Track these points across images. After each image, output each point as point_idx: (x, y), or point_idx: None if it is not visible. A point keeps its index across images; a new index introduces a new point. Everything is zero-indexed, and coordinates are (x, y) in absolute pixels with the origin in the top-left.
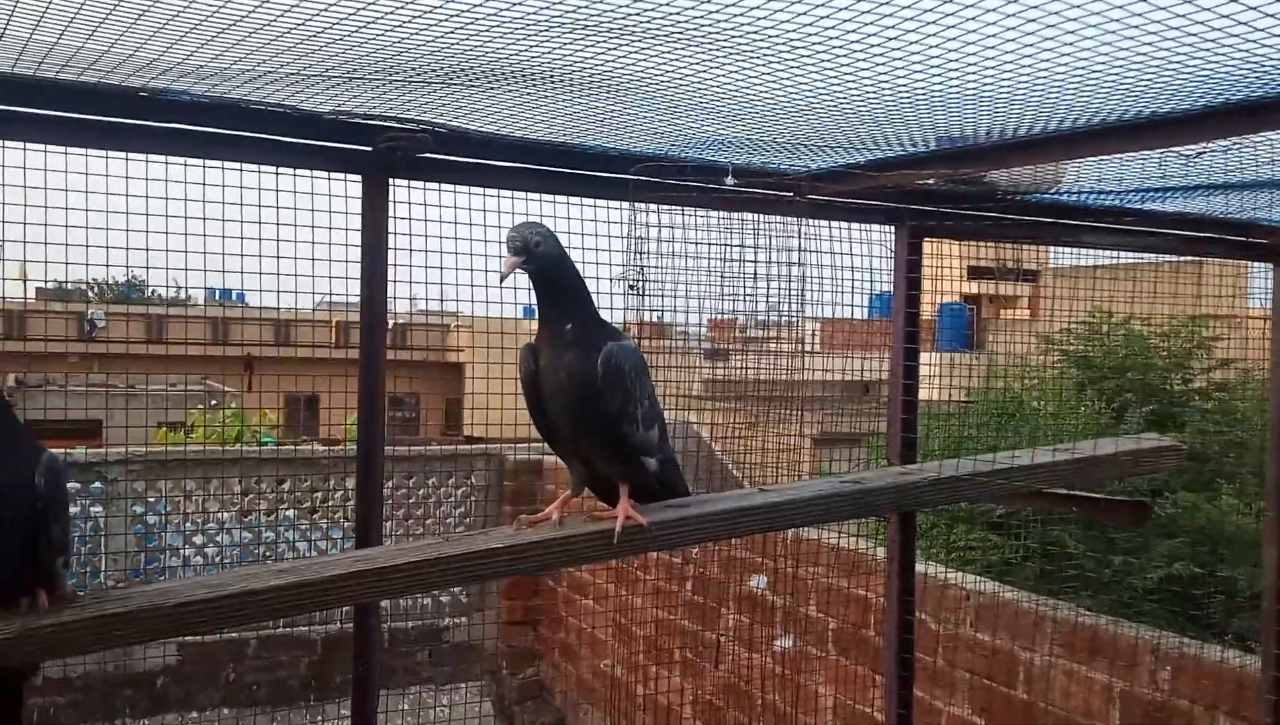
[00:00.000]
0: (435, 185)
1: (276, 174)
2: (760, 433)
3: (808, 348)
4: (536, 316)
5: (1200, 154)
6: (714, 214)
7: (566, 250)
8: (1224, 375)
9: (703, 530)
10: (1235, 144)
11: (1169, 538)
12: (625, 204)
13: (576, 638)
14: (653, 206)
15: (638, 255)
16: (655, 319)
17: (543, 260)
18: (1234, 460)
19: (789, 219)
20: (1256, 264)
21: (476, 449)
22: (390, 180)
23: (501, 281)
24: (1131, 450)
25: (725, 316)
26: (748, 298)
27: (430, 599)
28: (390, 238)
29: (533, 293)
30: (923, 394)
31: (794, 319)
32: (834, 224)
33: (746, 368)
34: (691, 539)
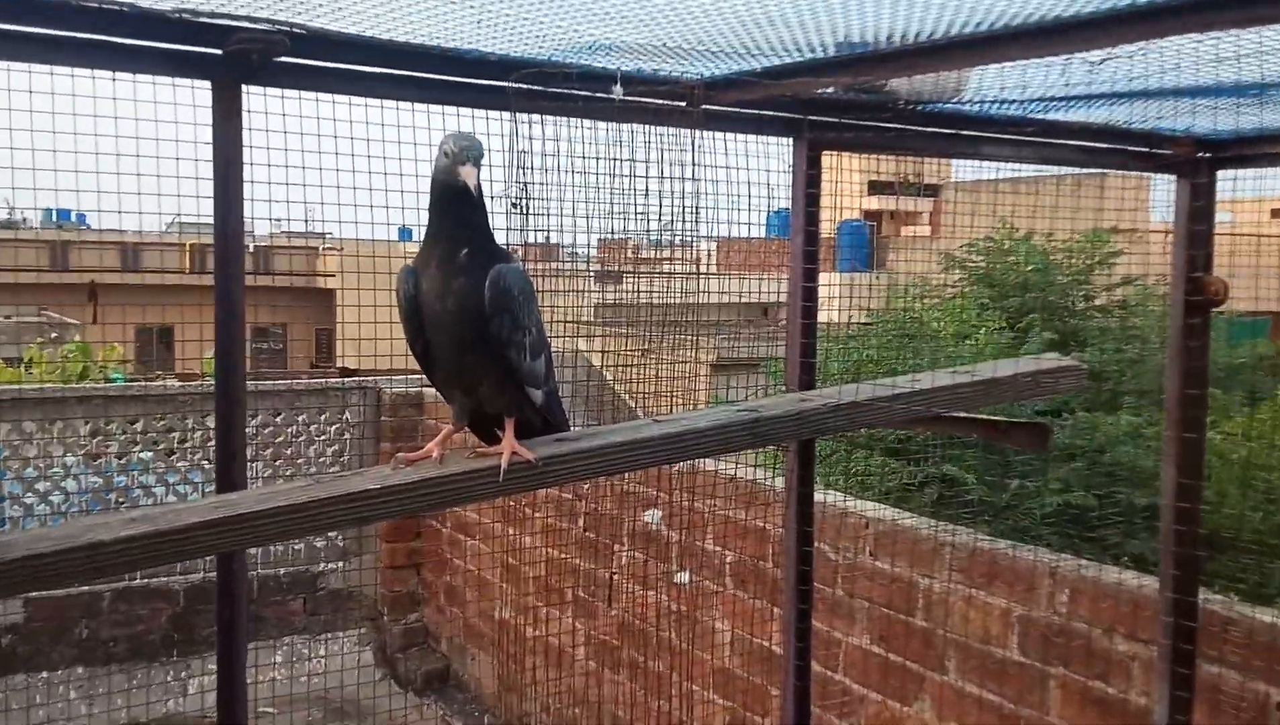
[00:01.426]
0: (295, 93)
1: (114, 80)
2: (654, 360)
3: (704, 269)
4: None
5: (1104, 60)
6: (602, 126)
7: None
8: (1125, 292)
9: (594, 464)
10: (1140, 49)
11: (1069, 459)
12: (505, 115)
13: (463, 581)
14: (535, 118)
15: (520, 171)
16: (540, 240)
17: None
18: (1133, 379)
19: (682, 131)
20: (1159, 176)
21: (351, 382)
22: (243, 87)
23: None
24: (1032, 371)
25: (616, 237)
26: (640, 216)
27: (303, 544)
28: (247, 152)
29: (412, 212)
30: (822, 316)
31: (689, 239)
32: (730, 136)
33: (639, 291)
34: (582, 473)
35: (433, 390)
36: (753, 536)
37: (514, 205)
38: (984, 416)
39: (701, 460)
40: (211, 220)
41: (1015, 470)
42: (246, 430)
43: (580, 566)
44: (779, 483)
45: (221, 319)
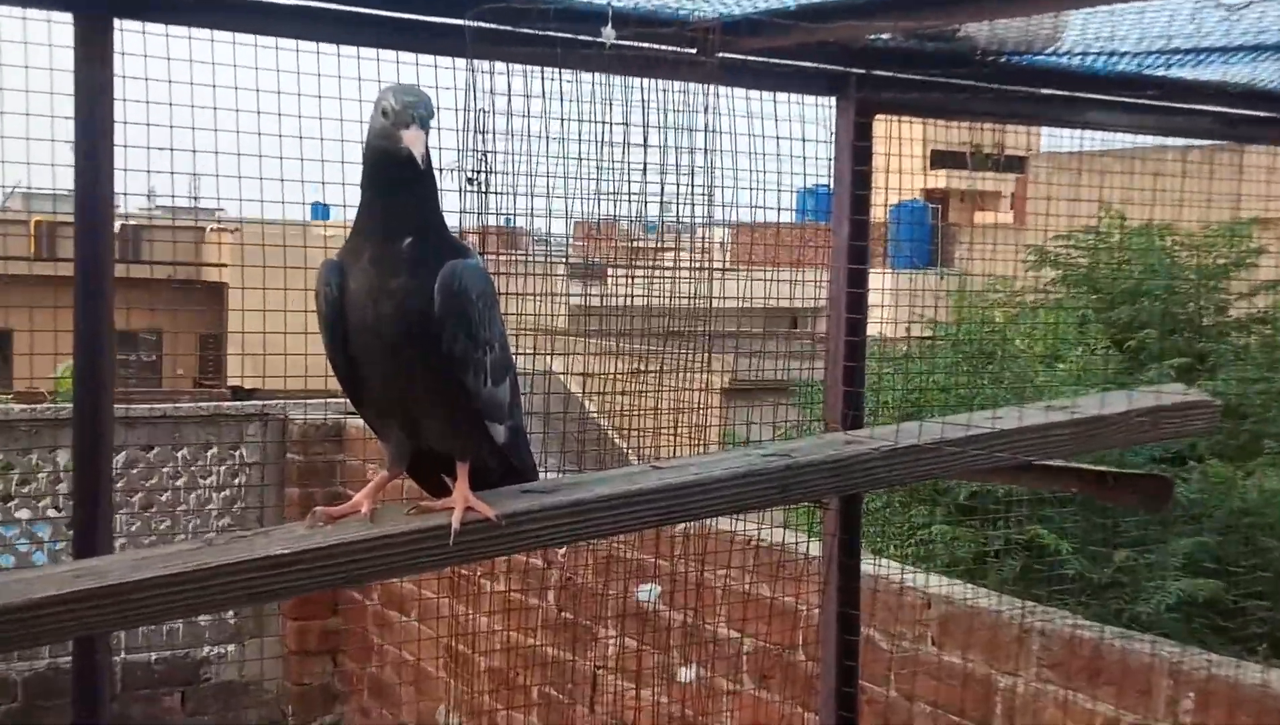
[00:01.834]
0: (183, 31)
1: None
2: (650, 383)
3: (716, 264)
4: (355, 219)
5: (1250, 3)
6: (586, 79)
7: None
8: (1269, 301)
9: (574, 525)
10: None
11: (1195, 523)
12: (460, 62)
13: (395, 673)
14: (499, 67)
15: (478, 135)
16: (501, 224)
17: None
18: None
19: (691, 86)
20: None
21: (248, 407)
22: (116, 21)
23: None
24: (1149, 408)
25: (601, 221)
26: (634, 196)
27: (183, 621)
28: (119, 106)
29: (334, 188)
30: (872, 328)
31: (698, 224)
32: (754, 94)
33: (631, 292)
34: (559, 537)
35: (357, 420)
36: (779, 618)
37: (470, 180)
38: (1086, 466)
39: (713, 519)
40: (71, 189)
41: (1125, 536)
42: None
43: (552, 656)
44: (815, 548)
45: (83, 321)
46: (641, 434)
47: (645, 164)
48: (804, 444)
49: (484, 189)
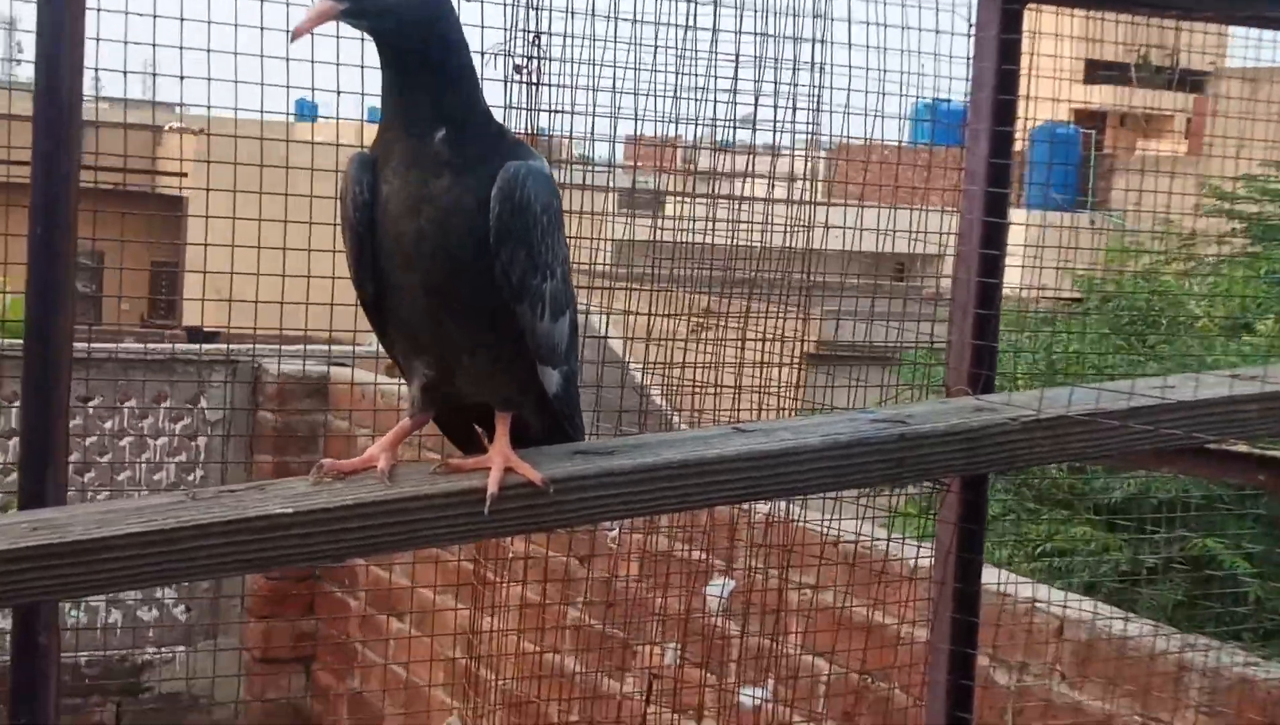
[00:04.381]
0: None
1: None
2: (712, 336)
3: (805, 193)
4: (381, 107)
5: None
6: None
7: None
8: None
9: (637, 496)
10: None
11: None
12: None
13: (381, 687)
14: None
15: (530, 11)
16: (554, 133)
17: (394, 15)
18: None
19: None
20: None
21: (211, 352)
22: None
23: (292, 40)
24: None
25: (657, 134)
26: (702, 100)
27: (121, 613)
28: None
29: (326, 70)
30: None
31: (784, 142)
32: None
33: (693, 224)
34: (617, 509)
35: (346, 371)
36: (864, 636)
37: (517, 71)
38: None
39: (792, 504)
40: (27, 76)
41: None
42: None
43: (578, 672)
44: (912, 553)
45: (40, 236)
46: (696, 396)
47: (714, 61)
48: (923, 409)
49: (536, 82)
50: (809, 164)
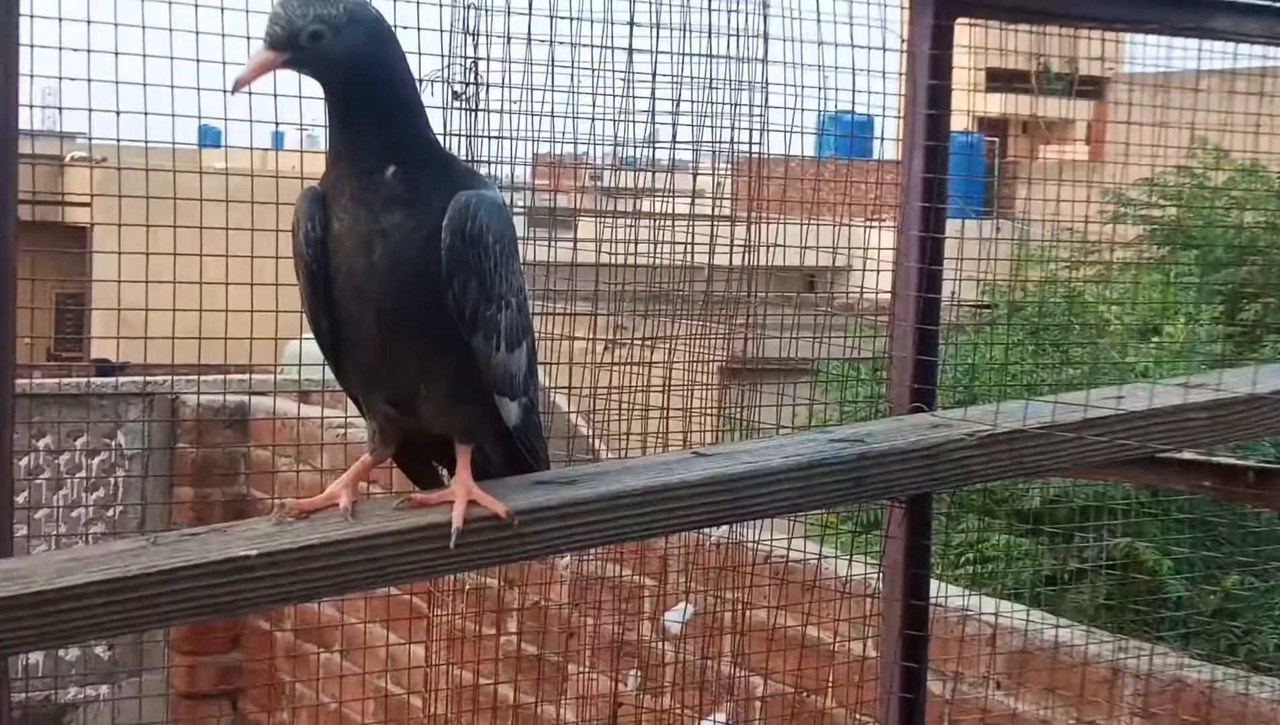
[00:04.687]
0: None
1: None
2: (626, 359)
3: (714, 208)
4: (328, 140)
5: None
6: None
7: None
8: None
9: (601, 525)
10: None
11: None
12: None
13: (311, 722)
14: None
15: (466, 37)
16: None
17: (336, 62)
18: None
19: None
20: None
21: (125, 384)
22: None
23: (233, 91)
24: None
25: (565, 154)
26: (641, 122)
27: (41, 653)
28: None
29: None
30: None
31: (693, 156)
32: None
33: (602, 243)
34: (582, 539)
35: (266, 401)
36: (795, 652)
37: (457, 95)
38: (1222, 460)
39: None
40: None
41: (1238, 552)
42: None
43: (511, 699)
44: (845, 568)
45: None
46: (613, 419)
47: (629, 75)
48: (880, 427)
49: (474, 106)
50: (717, 180)
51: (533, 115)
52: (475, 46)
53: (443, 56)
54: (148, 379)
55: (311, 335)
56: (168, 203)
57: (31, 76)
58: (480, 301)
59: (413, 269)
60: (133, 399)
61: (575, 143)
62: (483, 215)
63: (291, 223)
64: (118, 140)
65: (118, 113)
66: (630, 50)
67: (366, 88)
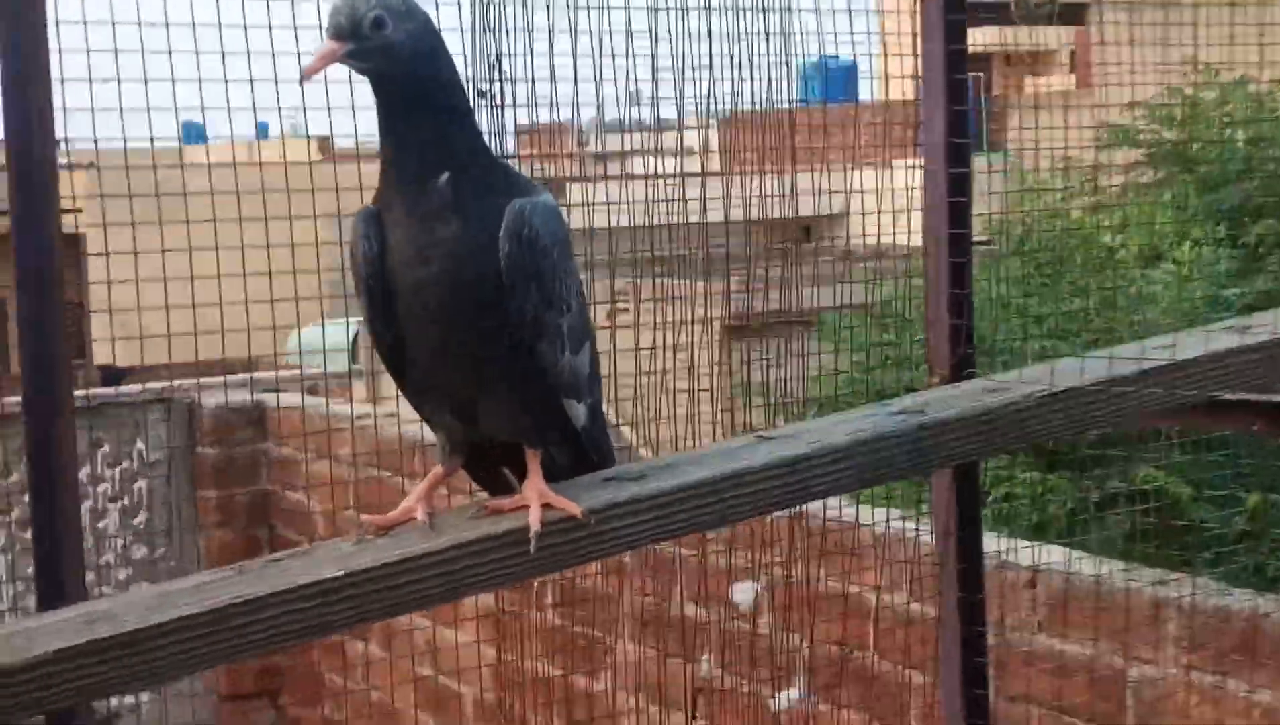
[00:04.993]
0: None
1: None
2: (628, 324)
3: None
4: (381, 153)
5: None
6: None
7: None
8: None
9: (674, 517)
10: None
11: None
12: None
13: (353, 714)
14: None
15: (488, 35)
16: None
17: (397, 53)
18: None
19: None
20: None
21: (147, 392)
22: None
23: (304, 81)
24: None
25: (554, 121)
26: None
27: None
28: None
29: (239, 90)
30: (904, 237)
31: (679, 114)
32: None
33: (592, 205)
34: (656, 532)
35: (285, 398)
36: (840, 615)
37: (481, 94)
38: (1264, 398)
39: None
40: None
41: (1257, 476)
42: None
43: (564, 681)
44: (878, 524)
45: (29, 292)
46: (620, 389)
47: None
48: (935, 396)
49: (500, 103)
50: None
51: (555, 107)
52: (496, 44)
53: (463, 56)
54: (165, 385)
55: (323, 323)
56: (159, 201)
57: None
58: (542, 307)
59: (472, 279)
60: (153, 404)
61: (575, 107)
62: (538, 221)
63: (349, 243)
64: (96, 143)
65: (114, 110)
66: (627, 24)
67: (423, 84)
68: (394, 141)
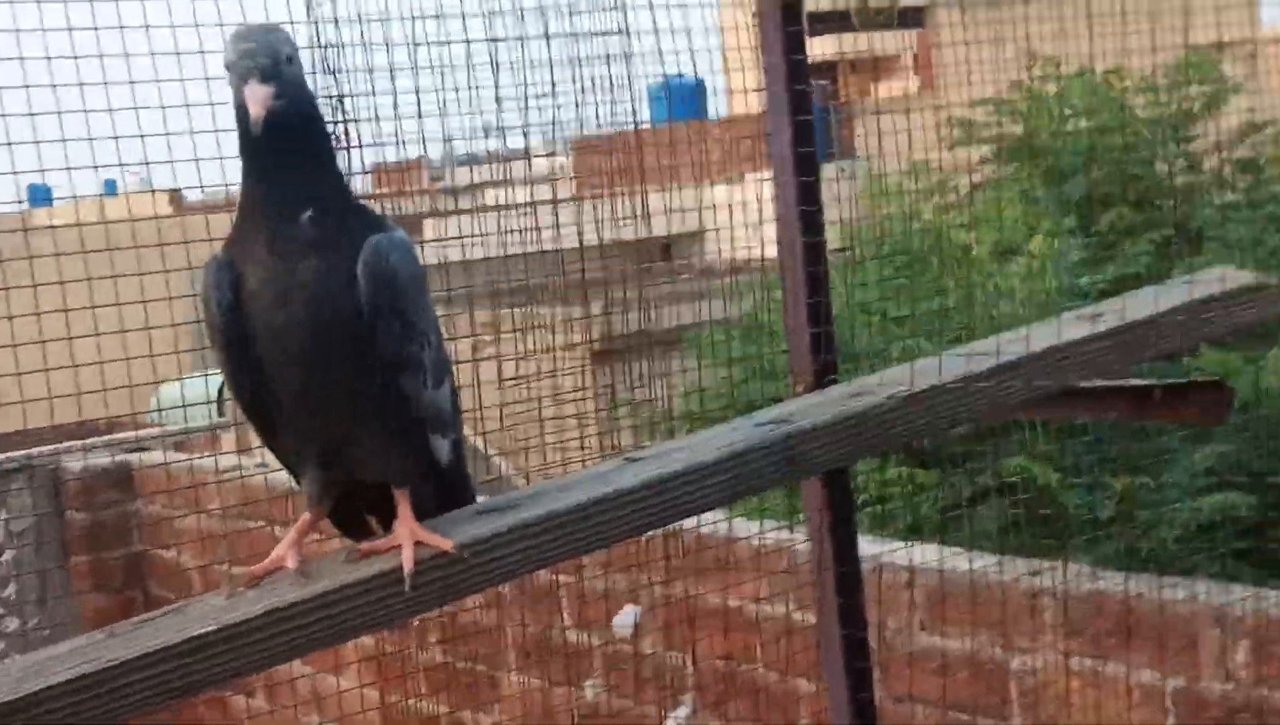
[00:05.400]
0: None
1: None
2: (495, 353)
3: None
4: (240, 198)
5: None
6: None
7: None
8: (1256, 145)
9: (548, 544)
10: None
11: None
12: None
13: None
14: None
15: (331, 76)
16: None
17: (302, 89)
18: None
19: None
20: None
21: (8, 460)
22: None
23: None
24: (1211, 298)
25: (402, 160)
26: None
27: None
28: None
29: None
30: (758, 250)
31: (526, 142)
32: None
33: (447, 240)
34: (532, 561)
35: (150, 457)
36: (722, 624)
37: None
38: (1125, 383)
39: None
40: None
41: (1123, 460)
42: None
43: (451, 719)
44: (755, 536)
45: None
46: (486, 420)
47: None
48: (800, 405)
49: (345, 144)
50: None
51: (401, 144)
52: (338, 85)
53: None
54: (27, 454)
55: (183, 378)
56: (3, 268)
57: None
58: (404, 340)
59: (333, 315)
60: (14, 474)
61: (423, 143)
62: (394, 256)
63: (201, 295)
64: None
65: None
66: (468, 57)
67: (309, 120)
68: (265, 180)
